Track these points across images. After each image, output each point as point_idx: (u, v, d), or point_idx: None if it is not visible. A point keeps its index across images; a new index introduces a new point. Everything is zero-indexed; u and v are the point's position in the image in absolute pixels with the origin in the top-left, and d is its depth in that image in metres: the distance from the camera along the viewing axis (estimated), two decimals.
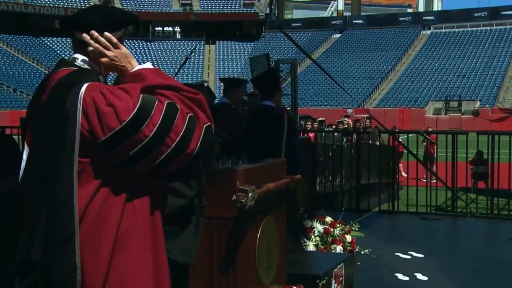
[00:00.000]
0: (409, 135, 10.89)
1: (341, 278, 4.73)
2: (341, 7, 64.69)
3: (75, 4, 54.80)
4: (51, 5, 53.77)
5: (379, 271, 5.95)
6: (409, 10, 73.47)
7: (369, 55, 51.32)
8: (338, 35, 56.80)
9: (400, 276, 5.73)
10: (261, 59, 10.45)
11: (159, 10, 57.91)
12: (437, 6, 71.96)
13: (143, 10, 56.47)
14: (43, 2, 53.74)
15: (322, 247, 5.72)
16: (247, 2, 57.35)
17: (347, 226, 6.30)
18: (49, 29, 54.19)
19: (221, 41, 57.85)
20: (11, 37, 51.27)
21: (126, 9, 52.29)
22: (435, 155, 13.14)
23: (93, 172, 2.04)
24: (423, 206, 9.07)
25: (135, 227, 2.10)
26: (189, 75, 50.38)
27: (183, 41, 57.61)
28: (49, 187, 2.04)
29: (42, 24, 54.32)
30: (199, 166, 2.44)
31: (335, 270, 4.64)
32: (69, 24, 2.25)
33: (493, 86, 43.26)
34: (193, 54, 49.67)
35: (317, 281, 4.31)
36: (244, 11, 57.99)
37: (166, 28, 58.90)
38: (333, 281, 4.56)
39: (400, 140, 10.95)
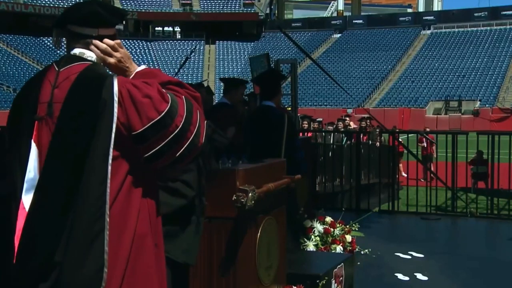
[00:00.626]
0: (409, 135, 10.89)
1: (341, 278, 4.74)
2: (341, 7, 64.67)
3: None
4: (51, 5, 53.75)
5: (379, 271, 5.95)
6: (409, 10, 73.46)
7: (369, 55, 51.32)
8: (338, 35, 56.80)
9: (400, 276, 5.73)
10: (261, 59, 10.45)
11: (159, 10, 57.91)
12: (437, 6, 71.94)
13: (143, 10, 56.50)
14: (43, 2, 53.74)
15: (322, 247, 5.72)
16: (247, 2, 57.33)
17: (347, 226, 6.31)
18: (49, 29, 54.10)
19: (221, 41, 57.85)
20: (11, 37, 51.27)
21: (126, 9, 52.34)
22: (434, 155, 13.14)
23: (119, 168, 2.04)
24: (423, 206, 9.07)
25: (148, 227, 2.13)
26: (189, 75, 50.37)
27: (183, 41, 57.61)
28: (81, 185, 1.99)
29: (42, 24, 54.28)
30: (197, 166, 2.47)
31: (335, 270, 4.64)
32: (65, 18, 2.25)
33: (493, 86, 43.26)
34: (193, 54, 49.71)
35: (317, 281, 4.31)
36: (244, 11, 57.98)
37: (166, 28, 58.90)
38: (333, 281, 4.56)
39: (400, 140, 10.93)
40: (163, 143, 2.05)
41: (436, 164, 9.10)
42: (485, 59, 46.94)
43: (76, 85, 2.07)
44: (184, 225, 2.96)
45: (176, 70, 40.55)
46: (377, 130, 13.92)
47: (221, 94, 6.37)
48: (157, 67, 51.65)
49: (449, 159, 8.96)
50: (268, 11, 59.16)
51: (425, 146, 15.07)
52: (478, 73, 45.28)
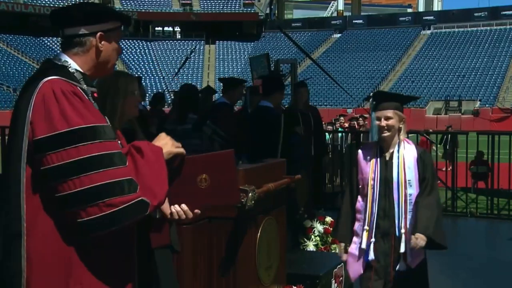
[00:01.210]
0: (409, 135, 10.88)
1: (341, 278, 4.73)
2: (341, 7, 64.65)
3: None
4: (51, 5, 53.72)
5: None
6: (409, 10, 73.46)
7: (369, 55, 51.31)
8: (338, 35, 56.79)
9: None
10: (261, 59, 10.44)
11: (159, 10, 57.90)
12: (437, 6, 71.94)
13: (143, 10, 56.49)
14: (43, 2, 53.73)
15: (322, 247, 5.72)
16: (247, 2, 57.33)
17: None
18: (49, 29, 54.20)
19: (221, 41, 57.84)
20: (11, 37, 51.27)
21: (126, 9, 52.39)
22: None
23: (34, 176, 1.96)
24: None
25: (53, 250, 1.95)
26: (189, 75, 50.39)
27: (183, 41, 57.60)
28: (7, 184, 1.99)
29: (42, 24, 54.29)
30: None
31: (335, 270, 4.64)
32: (58, 21, 2.18)
33: (493, 86, 43.25)
34: (193, 54, 49.71)
35: (317, 281, 4.31)
36: (244, 11, 57.97)
37: (166, 28, 58.90)
38: (333, 281, 4.56)
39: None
40: (55, 164, 1.89)
41: (436, 164, 9.08)
42: (485, 59, 46.93)
43: (25, 85, 2.07)
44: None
45: (176, 70, 40.58)
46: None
47: (221, 94, 6.37)
48: (157, 67, 51.46)
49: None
50: (268, 11, 59.14)
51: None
52: (478, 73, 45.27)
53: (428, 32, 54.15)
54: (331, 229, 5.98)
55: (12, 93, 42.75)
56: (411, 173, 3.56)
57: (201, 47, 56.68)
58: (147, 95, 20.67)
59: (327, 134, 11.19)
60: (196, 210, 2.20)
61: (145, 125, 4.84)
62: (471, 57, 47.79)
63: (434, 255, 6.51)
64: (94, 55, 2.13)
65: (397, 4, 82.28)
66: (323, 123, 9.17)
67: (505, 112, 38.98)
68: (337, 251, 3.94)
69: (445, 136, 16.06)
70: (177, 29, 58.99)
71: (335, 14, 67.42)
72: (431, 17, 56.16)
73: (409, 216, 3.59)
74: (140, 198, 1.93)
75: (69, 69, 2.07)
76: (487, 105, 40.93)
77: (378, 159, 3.61)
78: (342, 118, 14.78)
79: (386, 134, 3.56)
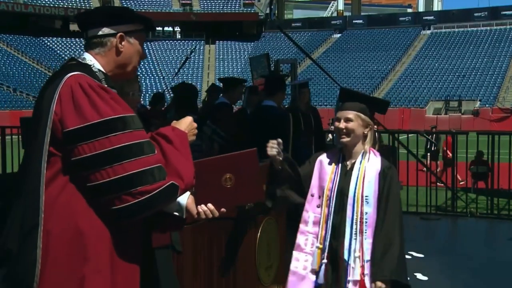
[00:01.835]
0: (409, 135, 10.88)
1: None
2: (341, 7, 64.65)
3: (75, 4, 54.80)
4: (51, 5, 53.73)
5: None
6: (409, 10, 73.46)
7: (369, 55, 51.31)
8: (338, 35, 56.78)
9: None
10: (261, 59, 10.44)
11: (159, 10, 57.88)
12: (437, 6, 71.94)
13: (143, 10, 56.47)
14: (43, 2, 53.71)
15: None
16: (247, 2, 57.32)
17: None
18: (49, 29, 54.20)
19: (221, 41, 57.83)
20: (11, 37, 51.24)
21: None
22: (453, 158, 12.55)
23: (55, 165, 2.00)
24: (423, 206, 9.07)
25: (92, 236, 1.99)
26: (189, 75, 50.36)
27: (183, 41, 57.59)
28: (25, 175, 2.02)
29: (42, 24, 54.30)
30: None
31: None
32: (83, 23, 2.24)
33: (493, 86, 43.24)
34: (193, 54, 49.66)
35: None
36: (244, 11, 57.96)
37: (166, 28, 58.90)
38: None
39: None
40: (87, 154, 1.94)
41: (436, 164, 9.08)
42: (485, 59, 46.92)
43: (48, 80, 2.11)
44: None
45: (176, 70, 40.55)
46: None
47: (220, 94, 6.37)
48: (157, 67, 51.53)
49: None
50: (268, 11, 59.13)
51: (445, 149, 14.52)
52: (478, 73, 45.26)
53: (428, 32, 54.14)
54: None
55: (12, 93, 42.75)
56: (370, 188, 3.07)
57: (201, 47, 56.67)
58: (147, 95, 20.65)
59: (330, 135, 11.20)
60: (222, 209, 2.24)
61: (146, 125, 4.84)
62: (471, 57, 47.78)
63: (434, 255, 6.53)
64: (115, 55, 2.19)
65: (397, 4, 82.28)
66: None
67: (505, 112, 38.95)
68: None
69: (429, 136, 15.98)
70: (177, 29, 58.98)
71: (335, 14, 67.41)
72: (431, 17, 56.14)
73: (364, 239, 3.01)
74: (170, 182, 2.00)
75: (93, 68, 2.14)
76: (487, 105, 40.91)
77: (339, 168, 3.12)
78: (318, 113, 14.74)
79: (345, 139, 3.08)
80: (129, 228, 2.07)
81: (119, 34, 2.18)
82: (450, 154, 10.95)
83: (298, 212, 5.76)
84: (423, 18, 56.31)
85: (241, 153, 2.35)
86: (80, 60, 2.17)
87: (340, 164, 3.12)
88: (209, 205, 2.21)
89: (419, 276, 5.74)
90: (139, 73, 44.66)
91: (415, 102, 43.42)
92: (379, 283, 2.94)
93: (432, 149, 14.92)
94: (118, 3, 54.88)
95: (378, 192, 3.08)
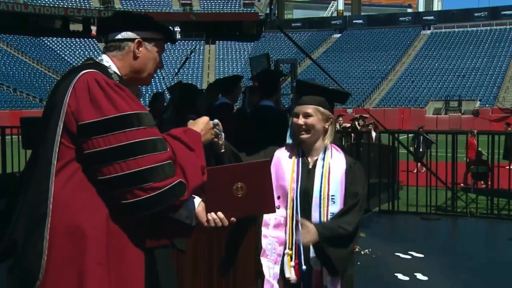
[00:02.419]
0: (409, 135, 10.89)
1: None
2: (341, 7, 64.67)
3: (75, 4, 54.82)
4: (51, 5, 53.75)
5: (379, 271, 5.95)
6: (409, 10, 73.48)
7: (369, 55, 51.31)
8: (338, 35, 56.80)
9: (400, 276, 5.73)
10: (261, 59, 10.45)
11: (159, 10, 57.88)
12: (437, 6, 71.98)
13: (143, 10, 56.46)
14: (43, 2, 53.72)
15: None
16: (247, 2, 57.34)
17: None
18: (49, 29, 54.21)
19: (221, 41, 57.85)
20: (11, 37, 51.26)
21: (126, 9, 52.38)
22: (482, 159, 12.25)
23: (66, 156, 2.02)
24: (423, 206, 9.07)
25: (96, 230, 2.02)
26: (189, 75, 50.39)
27: (183, 41, 57.60)
28: (35, 167, 2.05)
29: (42, 24, 54.31)
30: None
31: None
32: (104, 29, 2.30)
33: (493, 86, 43.25)
34: (193, 54, 49.69)
35: None
36: (244, 11, 57.98)
37: None
38: None
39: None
40: (102, 148, 1.97)
41: (436, 164, 9.08)
42: (485, 59, 46.93)
43: (64, 76, 2.15)
44: None
45: (176, 70, 40.54)
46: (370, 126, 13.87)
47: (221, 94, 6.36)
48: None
49: (449, 159, 8.96)
50: (268, 11, 59.15)
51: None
52: (478, 73, 45.27)
53: (428, 32, 54.15)
54: None
55: (12, 93, 42.76)
56: (337, 187, 2.80)
57: (201, 47, 56.69)
58: (147, 95, 20.64)
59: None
60: (232, 219, 2.27)
61: None
62: (471, 57, 47.79)
63: (434, 255, 6.53)
64: (132, 60, 2.24)
65: (397, 4, 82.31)
66: None
67: (505, 112, 38.96)
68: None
69: (417, 137, 15.90)
70: (177, 29, 58.98)
71: (335, 14, 67.43)
72: (431, 17, 56.17)
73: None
74: (179, 180, 2.04)
75: (109, 69, 2.19)
76: (487, 105, 40.92)
77: (299, 165, 2.83)
78: (340, 118, 14.79)
79: (304, 136, 2.80)
80: (133, 222, 2.09)
81: (137, 40, 2.23)
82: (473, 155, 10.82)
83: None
84: (423, 18, 56.34)
85: (253, 162, 2.37)
86: (97, 60, 2.22)
87: (300, 162, 2.84)
88: (219, 213, 2.22)
89: (419, 276, 5.74)
90: None
91: (415, 102, 43.42)
92: (312, 225, 2.67)
93: (421, 149, 14.92)
94: (119, 3, 54.90)
95: (345, 189, 2.81)
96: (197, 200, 2.21)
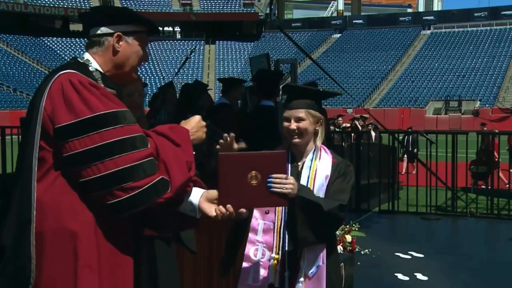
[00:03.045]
0: (410, 135, 10.88)
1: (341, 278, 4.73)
2: (341, 7, 64.67)
3: (75, 4, 54.79)
4: (51, 5, 53.75)
5: (379, 271, 5.95)
6: (409, 10, 73.48)
7: (369, 55, 51.32)
8: (338, 35, 56.80)
9: (400, 276, 5.73)
10: (261, 59, 10.43)
11: (159, 10, 57.89)
12: (437, 6, 71.96)
13: (143, 10, 56.48)
14: (43, 2, 53.73)
15: None
16: (247, 2, 57.33)
17: (347, 226, 6.30)
18: (49, 29, 54.21)
19: (221, 41, 57.85)
20: (11, 37, 51.27)
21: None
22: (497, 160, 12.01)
23: (47, 160, 2.00)
24: (423, 206, 9.07)
25: (85, 241, 1.99)
26: (189, 75, 50.37)
27: (183, 41, 57.61)
28: (19, 172, 2.04)
29: (42, 24, 54.31)
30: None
31: None
32: (85, 22, 2.27)
33: (493, 86, 43.26)
34: (193, 54, 49.68)
35: None
36: (244, 11, 57.97)
37: (166, 28, 58.90)
38: None
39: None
40: (78, 150, 1.94)
41: (436, 164, 9.07)
42: (485, 59, 46.94)
43: (44, 79, 2.13)
44: None
45: (176, 70, 40.52)
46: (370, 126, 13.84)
47: (220, 94, 6.36)
48: (157, 67, 51.30)
49: (449, 159, 8.96)
50: (268, 11, 59.14)
51: None
52: (478, 73, 45.28)
53: (428, 32, 54.15)
54: None
55: (12, 93, 42.76)
56: (321, 189, 2.71)
57: (201, 47, 56.69)
58: (147, 95, 20.62)
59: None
60: (241, 210, 2.21)
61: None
62: (471, 57, 47.79)
63: (434, 255, 6.53)
64: (112, 55, 2.19)
65: (397, 4, 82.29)
66: None
67: (505, 112, 38.97)
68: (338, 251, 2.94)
69: (406, 137, 15.90)
70: (177, 29, 59.00)
71: (335, 14, 67.43)
72: (431, 17, 56.18)
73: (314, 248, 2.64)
74: (160, 177, 2.00)
75: (90, 67, 2.15)
76: (487, 105, 40.93)
77: (289, 169, 2.74)
78: (340, 118, 14.79)
79: (297, 140, 2.74)
80: (119, 223, 2.06)
81: (116, 34, 2.17)
82: (497, 156, 10.64)
83: None
84: (423, 18, 56.34)
85: (270, 153, 2.33)
86: (79, 59, 2.19)
87: (290, 165, 2.77)
88: (228, 206, 2.17)
89: (419, 276, 5.74)
90: (139, 73, 44.58)
91: (415, 102, 43.43)
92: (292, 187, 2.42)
93: (415, 150, 14.91)
94: (118, 3, 54.89)
95: (327, 187, 2.72)
96: (199, 192, 2.17)
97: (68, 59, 2.31)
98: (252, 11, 56.91)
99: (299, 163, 2.79)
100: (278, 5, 61.75)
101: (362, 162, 9.62)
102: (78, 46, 53.07)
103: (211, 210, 2.17)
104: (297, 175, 2.74)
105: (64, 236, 1.97)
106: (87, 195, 1.98)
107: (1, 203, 2.63)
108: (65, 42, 54.03)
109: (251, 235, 2.77)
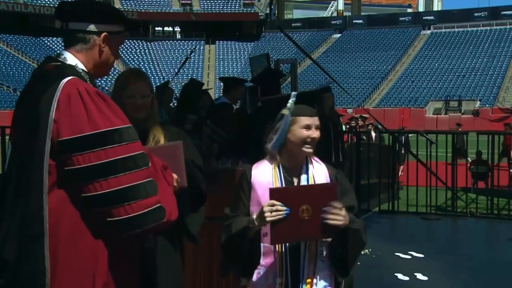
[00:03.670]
0: (409, 135, 10.89)
1: None
2: (341, 7, 64.65)
3: None
4: (51, 5, 53.68)
5: (379, 271, 5.95)
6: (409, 10, 73.45)
7: (369, 55, 51.32)
8: (338, 35, 56.80)
9: (400, 276, 5.73)
10: (261, 59, 10.43)
11: (159, 10, 57.90)
12: (437, 6, 71.93)
13: (143, 10, 56.48)
14: (43, 2, 53.73)
15: None
16: (247, 2, 57.34)
17: None
18: (49, 29, 54.19)
19: (221, 41, 57.84)
20: (11, 37, 51.27)
21: (126, 9, 52.38)
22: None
23: (57, 175, 1.95)
24: (423, 206, 9.07)
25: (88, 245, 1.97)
26: (189, 75, 50.27)
27: (183, 41, 57.60)
28: (24, 184, 1.97)
29: (42, 24, 54.29)
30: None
31: None
32: (64, 13, 2.16)
33: (493, 86, 43.26)
34: (193, 54, 49.66)
35: None
36: (244, 11, 57.97)
37: (166, 28, 58.89)
38: None
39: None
40: (82, 166, 1.90)
41: (436, 164, 9.07)
42: (485, 59, 46.95)
43: (28, 87, 2.07)
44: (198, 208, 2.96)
45: (176, 70, 40.54)
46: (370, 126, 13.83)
47: (221, 94, 6.36)
48: (157, 67, 51.23)
49: (449, 159, 8.96)
50: (268, 11, 59.14)
51: None
52: (478, 73, 45.28)
53: (428, 32, 54.16)
54: None
55: (12, 93, 42.75)
56: None
57: (201, 47, 56.68)
58: None
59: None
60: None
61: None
62: (471, 57, 47.79)
63: (434, 255, 6.53)
64: (97, 55, 2.12)
65: (397, 4, 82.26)
66: None
67: (505, 112, 38.97)
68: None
69: (399, 137, 15.85)
70: (177, 29, 58.98)
71: (335, 14, 67.42)
72: (431, 17, 56.18)
73: (318, 265, 2.47)
74: (159, 205, 1.98)
75: (77, 69, 2.07)
76: (487, 105, 40.93)
77: (283, 183, 2.47)
78: (340, 118, 14.78)
79: (311, 149, 2.49)
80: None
81: (104, 34, 2.11)
82: None
83: None
84: (423, 18, 56.34)
85: (321, 185, 2.30)
86: (61, 60, 2.10)
87: (282, 179, 2.49)
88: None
89: (419, 276, 5.74)
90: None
91: (415, 102, 43.43)
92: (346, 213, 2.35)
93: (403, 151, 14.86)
94: (118, 3, 54.88)
95: None
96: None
97: None
98: (252, 11, 56.91)
99: (293, 177, 2.51)
100: (278, 5, 61.74)
101: (362, 162, 9.61)
102: None
103: None
104: None
105: (81, 249, 1.95)
106: (86, 211, 1.95)
107: None
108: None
109: None
